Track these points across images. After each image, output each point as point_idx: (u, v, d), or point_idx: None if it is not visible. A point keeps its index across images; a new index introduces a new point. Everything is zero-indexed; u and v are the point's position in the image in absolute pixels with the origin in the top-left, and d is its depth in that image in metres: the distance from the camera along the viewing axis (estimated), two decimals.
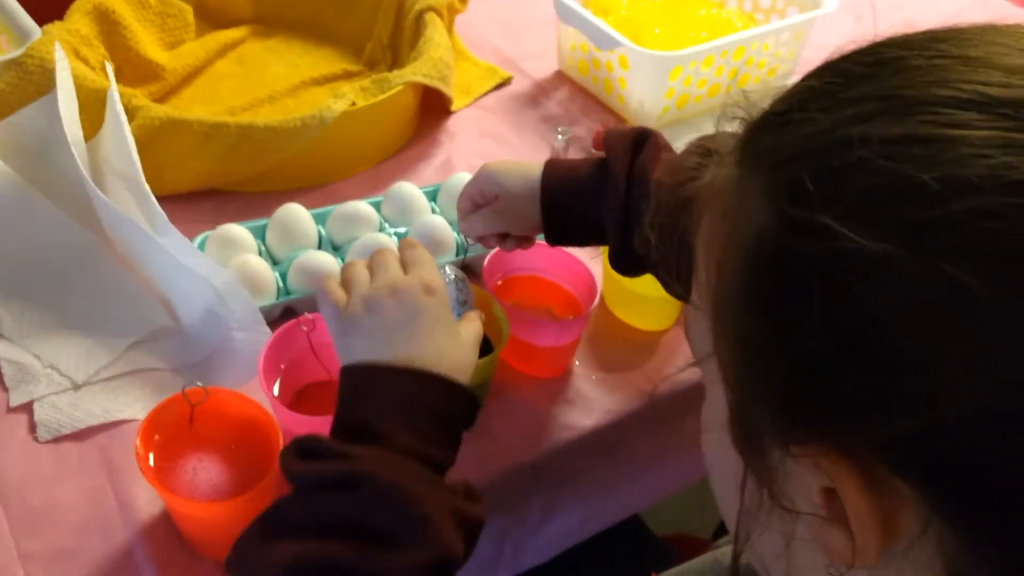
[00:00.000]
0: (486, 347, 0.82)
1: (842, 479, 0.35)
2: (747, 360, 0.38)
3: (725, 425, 0.40)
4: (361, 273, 0.65)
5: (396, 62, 1.21)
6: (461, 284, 0.77)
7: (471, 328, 0.67)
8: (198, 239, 0.89)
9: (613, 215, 0.71)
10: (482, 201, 0.79)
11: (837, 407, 0.34)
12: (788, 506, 0.38)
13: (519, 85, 1.25)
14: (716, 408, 0.42)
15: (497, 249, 0.83)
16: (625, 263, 0.74)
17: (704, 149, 0.43)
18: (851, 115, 0.35)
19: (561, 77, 1.26)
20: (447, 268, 0.78)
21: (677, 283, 0.68)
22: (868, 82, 0.36)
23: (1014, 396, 0.30)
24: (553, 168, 0.77)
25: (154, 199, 0.79)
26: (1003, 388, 0.31)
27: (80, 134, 0.89)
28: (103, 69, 1.03)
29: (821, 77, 0.38)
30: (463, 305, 0.77)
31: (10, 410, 0.77)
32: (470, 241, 0.85)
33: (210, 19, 1.26)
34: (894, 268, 0.31)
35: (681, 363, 0.90)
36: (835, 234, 0.32)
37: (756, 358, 0.37)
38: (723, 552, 0.67)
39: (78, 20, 1.05)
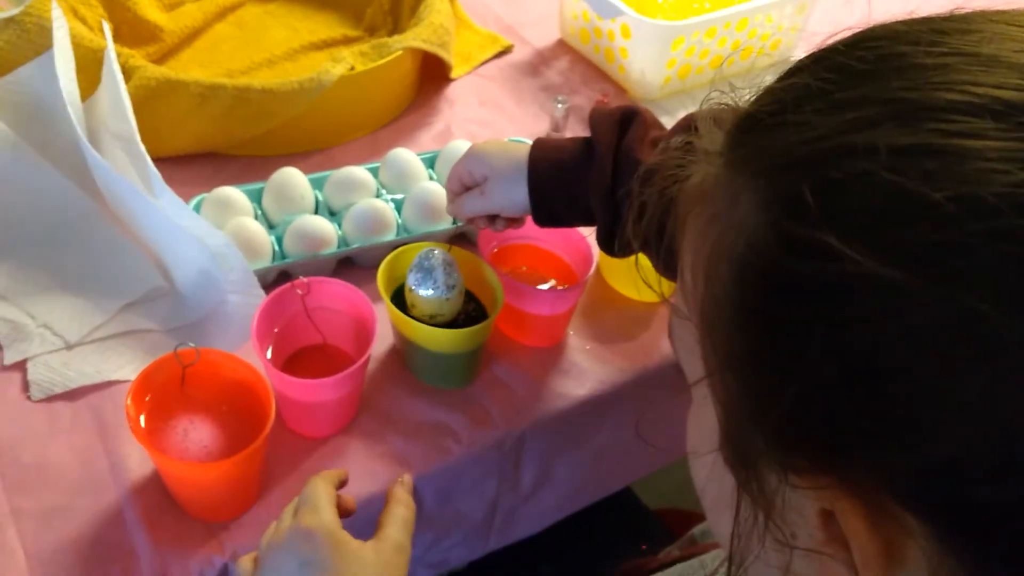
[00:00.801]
0: (480, 314, 0.82)
1: (843, 507, 0.33)
2: (740, 380, 0.35)
3: (717, 444, 0.38)
4: (266, 540, 0.63)
5: (396, 28, 1.20)
6: (449, 268, 0.77)
7: (385, 541, 0.63)
8: (194, 201, 0.89)
9: (600, 197, 0.70)
10: (470, 182, 0.78)
11: (839, 438, 0.32)
12: (785, 533, 0.35)
13: (520, 53, 1.24)
14: (707, 425, 0.39)
15: None
16: (614, 244, 0.72)
17: (690, 145, 0.40)
18: (851, 120, 0.32)
19: (562, 46, 1.25)
20: (435, 251, 0.78)
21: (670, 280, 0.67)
22: (868, 81, 0.33)
23: None
24: (540, 149, 0.75)
25: (150, 160, 0.79)
26: (1020, 423, 0.28)
27: (77, 94, 0.88)
28: (101, 29, 1.02)
29: (814, 73, 0.34)
30: (451, 289, 0.77)
31: (3, 368, 0.77)
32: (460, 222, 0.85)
33: None
34: (903, 295, 0.29)
35: None
36: (839, 255, 0.30)
37: (750, 380, 0.34)
38: (711, 556, 0.65)
39: None
